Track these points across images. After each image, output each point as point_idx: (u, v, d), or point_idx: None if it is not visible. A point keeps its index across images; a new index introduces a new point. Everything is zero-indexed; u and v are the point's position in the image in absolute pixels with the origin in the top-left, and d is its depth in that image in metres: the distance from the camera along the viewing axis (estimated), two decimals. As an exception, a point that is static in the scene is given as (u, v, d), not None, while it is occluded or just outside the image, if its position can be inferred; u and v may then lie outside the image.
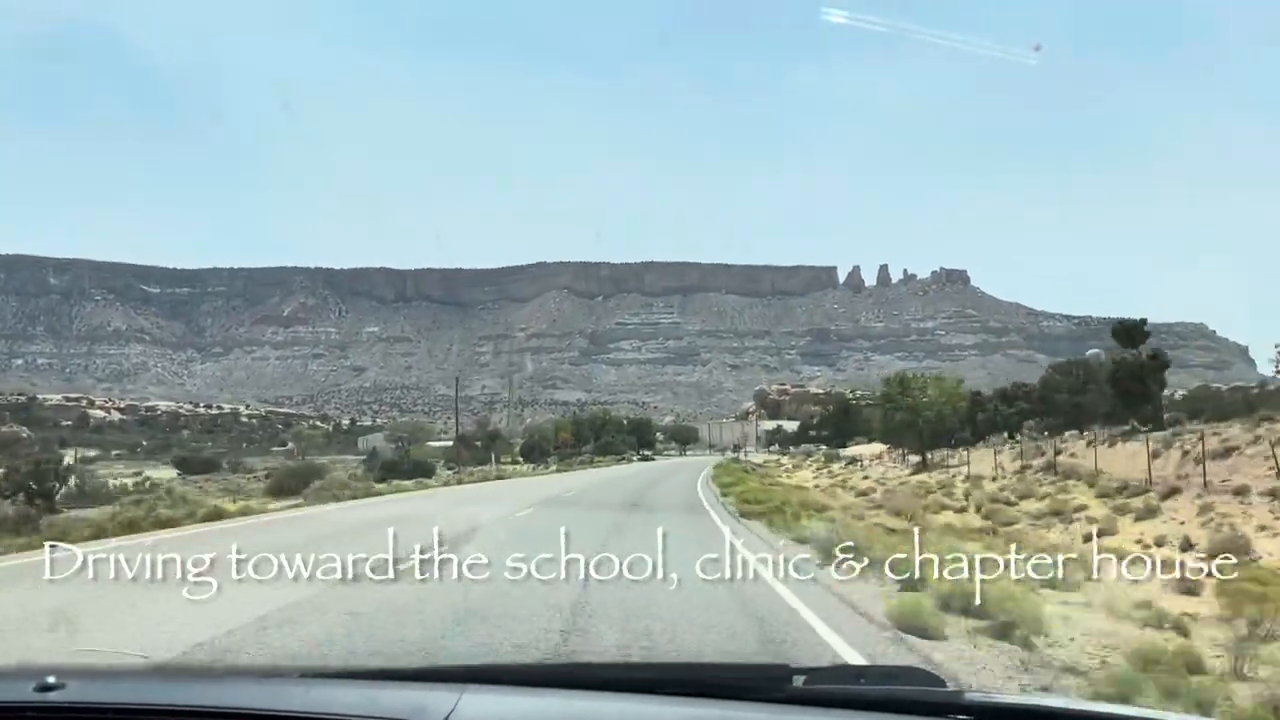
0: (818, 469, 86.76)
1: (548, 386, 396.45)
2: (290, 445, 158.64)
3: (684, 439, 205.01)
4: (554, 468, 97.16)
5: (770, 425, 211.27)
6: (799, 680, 2.64)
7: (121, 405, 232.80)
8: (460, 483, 53.09)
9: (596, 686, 2.64)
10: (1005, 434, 76.55)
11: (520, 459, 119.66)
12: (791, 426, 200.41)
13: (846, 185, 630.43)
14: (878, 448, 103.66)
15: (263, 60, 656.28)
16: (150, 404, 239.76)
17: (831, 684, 2.71)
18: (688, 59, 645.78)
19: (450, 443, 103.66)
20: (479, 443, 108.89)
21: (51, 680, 2.32)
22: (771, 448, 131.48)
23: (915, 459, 73.21)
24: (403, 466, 59.48)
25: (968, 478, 50.29)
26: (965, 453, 66.19)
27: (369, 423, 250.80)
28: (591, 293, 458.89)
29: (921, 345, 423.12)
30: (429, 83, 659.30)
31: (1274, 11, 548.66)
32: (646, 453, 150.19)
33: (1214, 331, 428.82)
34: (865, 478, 64.66)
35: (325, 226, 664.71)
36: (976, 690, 5.98)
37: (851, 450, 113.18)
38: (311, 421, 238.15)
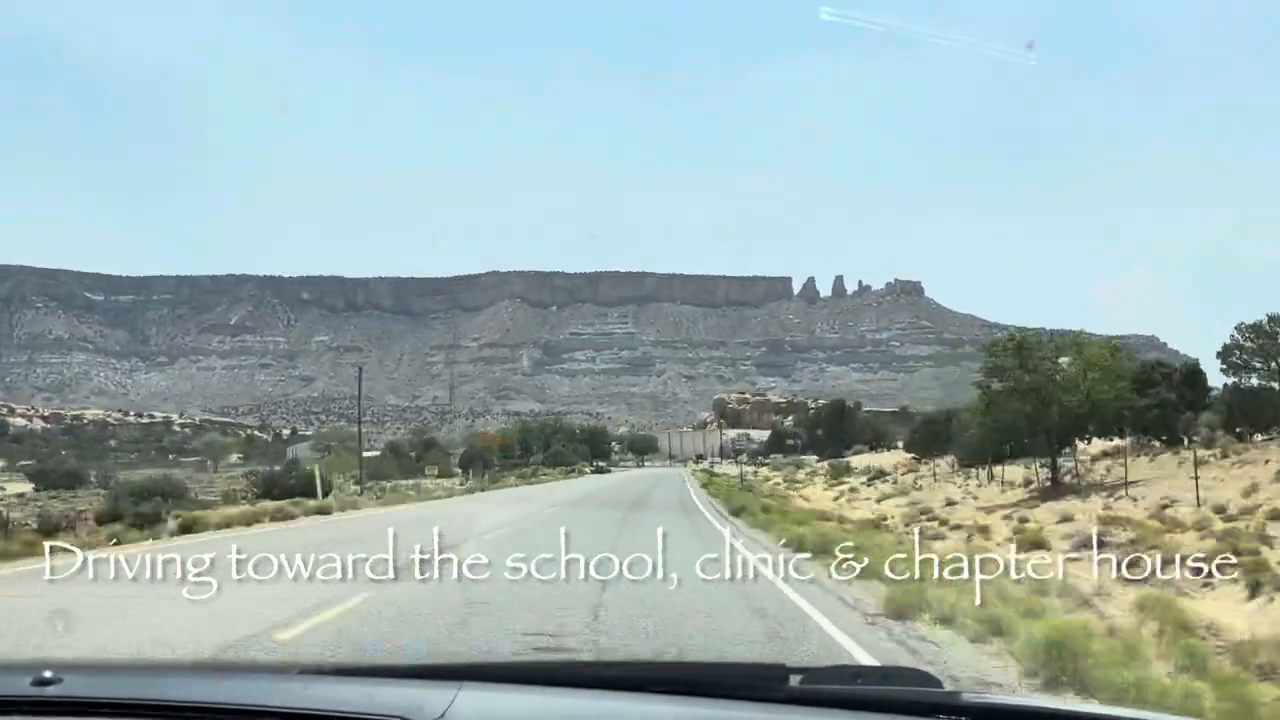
0: (830, 486, 67.89)
1: (500, 397, 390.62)
2: (202, 456, 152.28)
3: (641, 449, 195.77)
4: (468, 485, 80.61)
5: (735, 434, 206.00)
6: (795, 680, 2.60)
7: (45, 413, 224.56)
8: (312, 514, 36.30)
9: (593, 684, 2.62)
10: (1128, 434, 54.46)
11: (459, 470, 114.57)
12: (760, 435, 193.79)
13: (802, 196, 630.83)
14: (895, 457, 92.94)
15: (210, 65, 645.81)
16: (76, 412, 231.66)
17: (828, 684, 2.67)
18: (644, 65, 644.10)
19: (379, 452, 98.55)
20: (413, 454, 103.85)
21: (48, 675, 2.29)
22: (740, 458, 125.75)
23: (1008, 472, 51.06)
24: (287, 482, 52.74)
25: (1213, 518, 25.49)
26: (1100, 466, 45.89)
27: (312, 433, 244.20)
28: (545, 302, 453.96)
29: (876, 356, 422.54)
30: (380, 88, 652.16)
31: (1229, 27, 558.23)
32: (601, 464, 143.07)
33: (1165, 344, 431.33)
34: (949, 503, 42.13)
35: (274, 234, 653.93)
36: (973, 691, 6.12)
37: (860, 460, 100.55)
38: (249, 431, 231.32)
